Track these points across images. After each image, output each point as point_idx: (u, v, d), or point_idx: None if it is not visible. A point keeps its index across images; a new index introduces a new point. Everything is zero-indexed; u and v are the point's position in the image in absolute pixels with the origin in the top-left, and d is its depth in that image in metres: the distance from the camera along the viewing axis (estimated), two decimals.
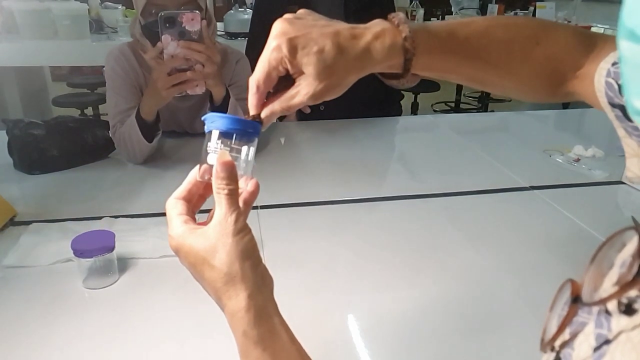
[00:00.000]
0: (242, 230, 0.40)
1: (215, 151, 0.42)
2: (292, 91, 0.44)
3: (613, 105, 0.43)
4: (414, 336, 0.68)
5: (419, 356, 0.65)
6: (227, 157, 0.42)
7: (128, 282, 0.77)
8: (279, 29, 0.42)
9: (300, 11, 0.44)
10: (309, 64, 0.41)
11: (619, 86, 0.43)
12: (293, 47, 0.41)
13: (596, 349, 0.28)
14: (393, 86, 1.51)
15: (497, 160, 1.29)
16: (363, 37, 0.43)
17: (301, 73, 0.42)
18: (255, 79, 0.42)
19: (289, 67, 0.42)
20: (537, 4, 3.06)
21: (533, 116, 1.71)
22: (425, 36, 0.44)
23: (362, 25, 0.44)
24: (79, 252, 0.73)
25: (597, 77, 0.45)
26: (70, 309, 0.71)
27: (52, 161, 1.15)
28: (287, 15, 0.43)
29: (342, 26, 0.43)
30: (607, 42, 0.48)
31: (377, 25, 0.44)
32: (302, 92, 0.43)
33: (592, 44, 0.48)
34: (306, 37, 0.41)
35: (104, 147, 1.22)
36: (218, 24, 1.66)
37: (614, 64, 0.44)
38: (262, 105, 0.45)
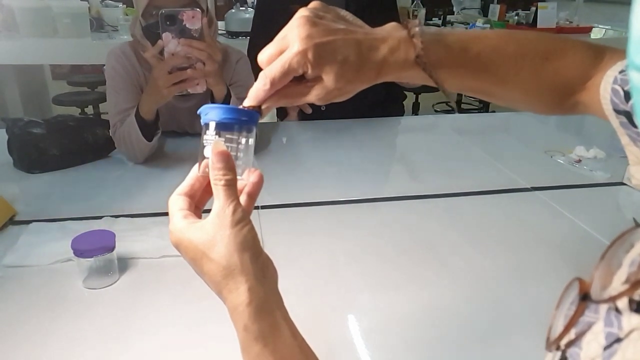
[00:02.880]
0: (241, 221, 0.39)
1: (212, 143, 0.41)
2: (302, 89, 0.43)
3: (618, 111, 0.43)
4: (416, 336, 0.68)
5: (421, 356, 0.65)
6: (222, 146, 0.41)
7: (128, 282, 0.77)
8: (305, 31, 0.40)
9: (316, 5, 0.43)
10: (330, 72, 0.41)
11: (625, 93, 0.43)
12: (319, 54, 0.40)
13: (606, 347, 0.28)
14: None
15: (498, 161, 1.28)
16: (380, 50, 0.43)
17: (319, 77, 0.42)
18: (271, 76, 0.41)
19: (309, 71, 0.41)
20: (539, 4, 3.05)
21: (534, 117, 1.71)
22: (438, 50, 0.44)
23: (379, 34, 0.44)
24: (79, 252, 0.73)
25: (604, 85, 0.45)
26: (70, 309, 0.71)
27: (52, 160, 1.15)
28: (306, 13, 0.41)
29: (361, 33, 0.43)
30: (616, 52, 0.48)
31: (393, 35, 0.44)
32: (313, 92, 0.43)
33: (601, 56, 0.48)
34: (332, 44, 0.41)
35: (104, 146, 1.22)
36: (219, 22, 1.65)
37: (621, 71, 0.44)
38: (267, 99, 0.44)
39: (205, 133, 0.42)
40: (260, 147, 1.32)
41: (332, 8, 0.44)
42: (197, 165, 0.43)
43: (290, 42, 0.41)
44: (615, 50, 0.49)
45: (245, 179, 0.44)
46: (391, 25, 0.45)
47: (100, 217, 0.93)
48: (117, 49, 1.22)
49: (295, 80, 0.43)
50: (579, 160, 1.28)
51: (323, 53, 0.40)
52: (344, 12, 0.45)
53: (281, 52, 0.41)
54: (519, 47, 0.48)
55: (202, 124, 0.42)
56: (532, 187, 1.13)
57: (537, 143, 1.40)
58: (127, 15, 2.75)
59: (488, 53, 0.46)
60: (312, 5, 0.43)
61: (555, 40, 0.49)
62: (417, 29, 0.43)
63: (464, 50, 0.45)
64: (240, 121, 0.42)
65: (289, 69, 0.41)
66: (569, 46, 0.49)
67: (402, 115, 1.73)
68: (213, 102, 1.12)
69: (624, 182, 1.16)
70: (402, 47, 0.43)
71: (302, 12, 0.41)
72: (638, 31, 0.23)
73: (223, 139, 0.41)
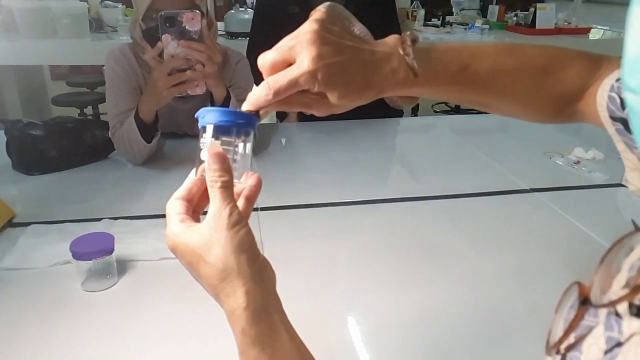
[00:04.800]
0: (238, 224, 0.39)
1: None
2: (303, 99, 0.44)
3: (614, 119, 0.44)
4: (415, 339, 0.68)
5: (420, 359, 0.65)
6: (218, 148, 0.40)
7: (127, 285, 0.77)
8: (315, 50, 0.40)
9: (324, 17, 0.43)
10: (335, 92, 0.42)
11: (622, 100, 0.43)
12: (328, 75, 0.41)
13: (607, 351, 0.28)
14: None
15: (497, 162, 1.28)
16: (383, 70, 0.44)
17: (323, 93, 0.43)
18: (276, 88, 0.41)
19: (315, 89, 0.42)
20: (538, 5, 3.05)
21: None
22: (435, 69, 0.45)
23: (381, 51, 0.44)
24: (78, 255, 0.72)
25: (600, 92, 0.45)
26: (69, 312, 0.71)
27: (51, 162, 1.15)
28: (316, 26, 0.41)
29: (368, 52, 0.44)
30: (612, 61, 0.49)
31: (395, 53, 0.44)
32: (315, 106, 0.44)
33: (598, 66, 0.49)
34: (341, 65, 0.41)
35: (103, 148, 1.22)
36: (218, 23, 1.65)
37: (618, 79, 0.44)
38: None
39: (202, 136, 0.42)
40: (259, 149, 1.32)
41: (338, 17, 0.44)
42: (195, 169, 0.43)
43: (299, 57, 0.41)
44: (611, 58, 0.49)
45: (243, 183, 0.44)
46: (393, 40, 0.45)
47: (99, 219, 0.93)
48: (117, 51, 1.22)
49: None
50: (578, 162, 1.28)
51: (332, 74, 0.41)
52: (348, 18, 0.45)
53: (286, 62, 0.41)
54: (517, 62, 0.48)
55: (199, 127, 0.42)
56: (530, 189, 1.13)
57: (536, 144, 1.40)
58: (126, 15, 2.75)
59: (486, 69, 0.47)
60: (320, 16, 0.42)
61: (552, 53, 0.50)
62: (414, 48, 0.44)
63: (461, 69, 0.46)
64: (238, 124, 0.41)
65: (296, 85, 0.41)
66: (566, 58, 0.49)
67: (401, 116, 1.73)
68: (212, 103, 1.12)
69: (623, 183, 1.16)
70: (402, 67, 0.44)
71: (312, 26, 0.41)
72: (631, 55, 0.24)
73: (219, 142, 0.41)
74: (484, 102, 0.50)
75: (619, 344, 0.28)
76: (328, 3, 0.49)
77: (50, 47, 2.39)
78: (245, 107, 0.43)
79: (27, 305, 0.72)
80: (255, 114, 0.43)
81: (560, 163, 1.28)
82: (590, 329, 0.31)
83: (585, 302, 0.31)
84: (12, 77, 2.67)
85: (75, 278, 0.75)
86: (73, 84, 3.46)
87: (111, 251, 0.75)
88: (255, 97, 0.42)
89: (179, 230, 0.40)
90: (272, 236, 0.90)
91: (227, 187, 0.40)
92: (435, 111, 4.22)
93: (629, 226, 0.96)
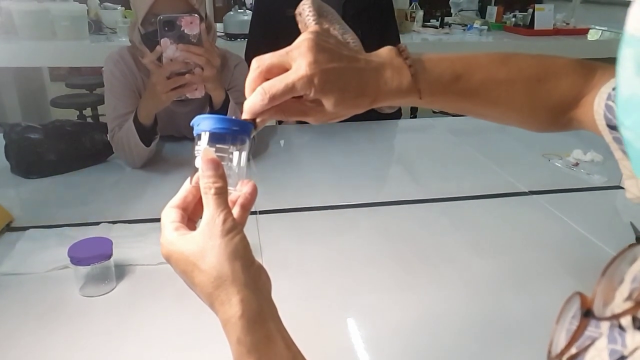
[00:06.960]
0: (232, 231, 0.39)
1: None
2: (300, 107, 0.44)
3: (611, 127, 0.44)
4: (414, 342, 0.68)
5: None
6: (212, 154, 0.40)
7: (126, 290, 0.77)
8: (312, 56, 0.41)
9: (318, 29, 0.43)
10: (331, 97, 0.43)
11: None
12: (324, 81, 0.41)
13: None
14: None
15: (496, 164, 1.28)
16: (378, 79, 0.44)
17: (318, 100, 0.43)
18: (271, 93, 0.41)
19: (311, 94, 0.42)
20: (536, 6, 3.05)
21: None
22: (429, 79, 0.46)
23: (376, 61, 0.45)
24: (76, 260, 0.72)
25: (597, 101, 0.46)
26: (67, 317, 0.71)
27: (49, 165, 1.15)
28: (311, 36, 0.42)
29: (363, 61, 0.44)
30: (607, 70, 0.50)
31: (389, 64, 0.45)
32: (311, 114, 0.45)
33: (592, 74, 0.49)
34: (336, 71, 0.42)
35: (102, 151, 1.22)
36: (217, 24, 1.65)
37: (614, 88, 0.44)
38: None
39: (197, 144, 0.42)
40: (258, 151, 1.32)
41: (333, 33, 0.45)
42: (190, 177, 0.43)
43: (295, 62, 0.41)
44: (605, 67, 0.50)
45: (239, 191, 0.44)
46: (386, 51, 0.46)
47: (97, 224, 0.93)
48: (116, 54, 1.22)
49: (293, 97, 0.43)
50: (577, 164, 1.28)
51: (328, 80, 0.41)
52: (343, 34, 0.46)
53: (283, 66, 0.42)
54: (511, 72, 0.49)
55: (195, 135, 0.42)
56: (529, 191, 1.13)
57: (535, 146, 1.40)
58: (125, 17, 2.75)
59: (479, 79, 0.47)
60: (315, 29, 0.43)
61: (546, 62, 0.50)
62: (408, 59, 0.45)
63: (455, 79, 0.47)
64: (232, 131, 0.41)
65: (292, 90, 0.41)
66: (560, 67, 0.50)
67: (400, 117, 1.73)
68: (212, 106, 1.12)
69: (622, 186, 1.16)
70: (396, 77, 0.44)
71: (309, 35, 0.42)
72: (623, 96, 0.25)
73: (214, 149, 0.41)
74: (479, 111, 0.50)
75: (623, 357, 0.27)
76: None
77: (50, 49, 2.39)
78: (244, 116, 0.43)
79: (25, 310, 0.72)
80: (251, 122, 0.43)
81: (559, 165, 1.28)
82: (592, 340, 0.30)
83: (587, 313, 0.31)
84: (11, 79, 2.67)
85: (73, 283, 0.75)
86: (72, 85, 3.46)
87: (109, 256, 0.75)
88: (252, 104, 0.43)
89: (172, 238, 0.40)
90: (270, 239, 0.90)
91: (221, 194, 0.40)
92: (434, 112, 4.22)
93: (628, 229, 0.96)
